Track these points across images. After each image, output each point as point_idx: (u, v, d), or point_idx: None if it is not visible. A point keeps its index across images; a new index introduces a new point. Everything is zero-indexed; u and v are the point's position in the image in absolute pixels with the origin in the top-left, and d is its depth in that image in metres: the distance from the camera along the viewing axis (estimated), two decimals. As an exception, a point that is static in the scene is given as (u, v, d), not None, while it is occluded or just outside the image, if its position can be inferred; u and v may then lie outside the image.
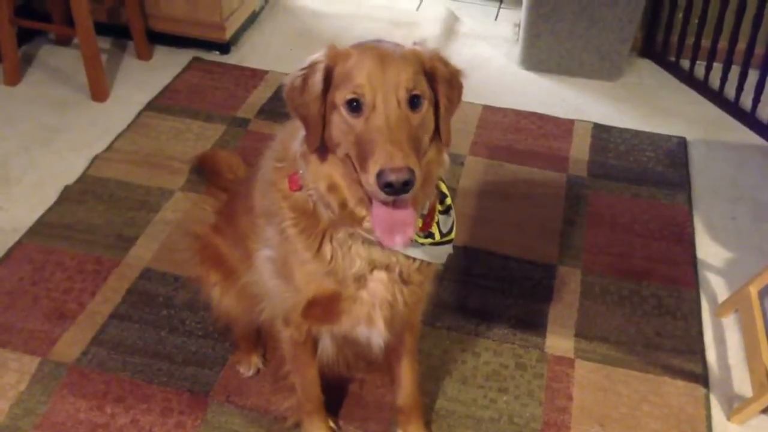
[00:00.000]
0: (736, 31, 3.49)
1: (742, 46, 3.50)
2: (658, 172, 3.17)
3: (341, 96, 1.41)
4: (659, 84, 3.79)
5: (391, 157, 1.32)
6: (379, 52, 1.42)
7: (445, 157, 1.59)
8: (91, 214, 2.81)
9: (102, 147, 3.15)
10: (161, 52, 3.83)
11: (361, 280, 1.63)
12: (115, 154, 3.12)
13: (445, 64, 1.53)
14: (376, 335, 1.74)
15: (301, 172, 1.55)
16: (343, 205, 1.51)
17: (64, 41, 3.85)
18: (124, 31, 3.76)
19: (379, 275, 1.64)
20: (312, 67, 1.47)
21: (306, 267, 1.63)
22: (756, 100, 3.42)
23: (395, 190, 1.32)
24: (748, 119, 3.46)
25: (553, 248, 2.75)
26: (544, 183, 3.08)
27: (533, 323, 2.45)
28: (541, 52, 3.77)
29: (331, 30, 4.14)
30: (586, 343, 2.39)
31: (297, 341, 1.85)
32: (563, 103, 3.61)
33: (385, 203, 1.40)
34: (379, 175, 1.32)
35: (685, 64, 3.80)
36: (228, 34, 3.81)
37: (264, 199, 1.72)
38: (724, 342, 2.43)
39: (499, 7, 4.51)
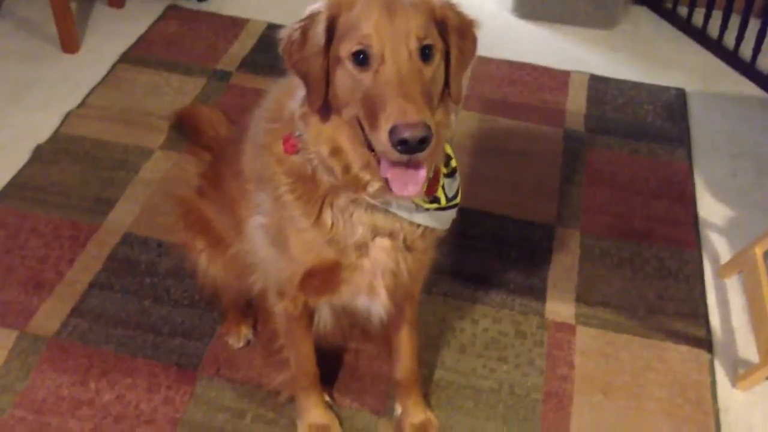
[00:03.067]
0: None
1: (742, -7, 3.36)
2: (656, 126, 3.06)
3: (346, 48, 1.31)
4: (656, 32, 3.66)
5: (404, 111, 1.23)
6: (386, 0, 1.32)
7: (452, 116, 1.49)
8: (66, 176, 2.65)
9: (74, 103, 2.97)
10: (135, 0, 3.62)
11: (362, 248, 1.55)
12: (89, 110, 2.95)
13: (457, 13, 1.43)
14: (378, 305, 1.66)
15: (298, 134, 1.45)
16: (346, 169, 1.42)
17: (30, -12, 3.62)
18: (94, -24, 3.53)
19: (382, 242, 1.55)
20: (312, 18, 1.36)
21: (303, 235, 1.54)
22: (756, 50, 3.30)
23: (410, 147, 1.23)
24: (748, 70, 3.35)
25: (551, 208, 2.65)
26: (540, 138, 2.96)
27: (532, 288, 2.37)
28: (535, 0, 3.61)
29: None
30: (587, 308, 2.31)
31: (292, 314, 1.76)
32: (558, 53, 3.47)
33: (397, 164, 1.31)
34: (392, 131, 1.23)
35: (683, 11, 3.66)
36: (205, -21, 3.59)
37: (255, 163, 1.61)
38: (727, 304, 2.37)
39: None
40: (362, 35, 1.30)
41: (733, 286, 2.43)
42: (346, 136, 1.39)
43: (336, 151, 1.41)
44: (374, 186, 1.41)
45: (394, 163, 1.31)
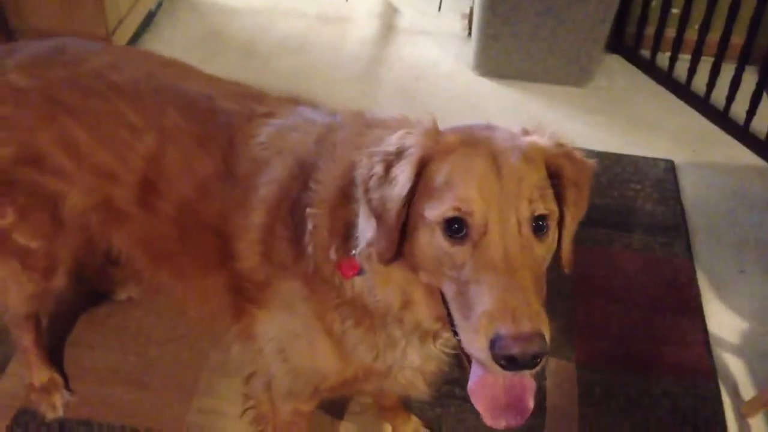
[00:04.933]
0: (730, 23, 2.93)
1: (737, 40, 2.96)
2: (648, 211, 2.67)
3: (438, 211, 1.06)
4: (634, 87, 3.28)
5: (513, 315, 0.97)
6: (493, 148, 1.08)
7: None
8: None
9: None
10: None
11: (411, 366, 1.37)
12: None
13: (573, 159, 1.17)
14: (416, 395, 1.48)
15: (361, 266, 1.21)
16: (417, 324, 1.23)
17: None
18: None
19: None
20: (399, 154, 1.11)
21: (347, 356, 1.35)
22: (751, 111, 2.93)
23: (519, 364, 0.97)
24: (742, 134, 2.98)
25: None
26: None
27: (528, 450, 1.96)
28: (499, 56, 3.19)
29: (246, 31, 3.45)
30: (595, 477, 1.91)
31: (301, 413, 1.58)
32: (526, 117, 3.05)
33: (493, 378, 1.06)
34: (496, 341, 0.97)
35: (663, 61, 3.28)
36: (118, 49, 3.07)
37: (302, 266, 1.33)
38: (757, 456, 2.00)
39: (442, -6, 3.87)
40: (461, 197, 1.04)
41: (759, 427, 2.05)
42: (420, 291, 1.17)
43: (407, 304, 1.20)
44: (444, 337, 1.26)
45: (489, 373, 1.05)
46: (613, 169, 2.83)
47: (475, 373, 1.08)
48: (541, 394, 2.08)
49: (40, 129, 1.46)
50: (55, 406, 1.91)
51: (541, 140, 1.16)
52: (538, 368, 1.00)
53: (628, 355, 2.20)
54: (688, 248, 2.54)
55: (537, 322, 0.98)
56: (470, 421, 2.00)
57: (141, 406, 1.96)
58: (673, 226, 2.61)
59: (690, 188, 2.78)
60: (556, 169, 1.13)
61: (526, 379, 1.08)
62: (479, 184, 1.04)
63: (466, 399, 2.02)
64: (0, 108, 1.46)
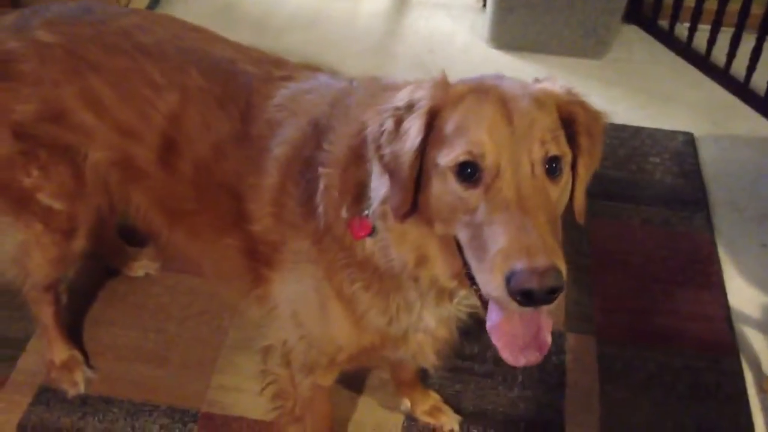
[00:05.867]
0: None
1: (757, 9, 2.89)
2: (667, 184, 2.64)
3: (450, 156, 1.05)
4: (652, 59, 3.22)
5: (528, 250, 0.96)
6: (503, 94, 1.08)
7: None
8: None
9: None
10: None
11: (425, 329, 1.37)
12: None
13: (585, 107, 1.17)
14: (425, 363, 1.48)
15: (374, 224, 1.20)
16: (433, 280, 1.21)
17: None
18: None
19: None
20: (409, 107, 1.11)
21: (363, 321, 1.34)
22: (772, 81, 2.88)
23: (536, 299, 0.96)
24: (763, 106, 2.92)
25: (557, 309, 2.22)
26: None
27: (547, 426, 1.95)
28: (514, 28, 3.14)
29: (258, 5, 3.41)
30: (617, 453, 1.91)
31: (320, 387, 1.57)
32: (543, 90, 3.01)
33: (511, 315, 1.06)
34: (512, 277, 0.96)
35: (682, 32, 3.22)
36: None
37: (311, 224, 1.33)
38: (779, 431, 1.99)
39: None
40: (472, 141, 1.04)
41: (782, 402, 2.04)
42: (436, 245, 1.16)
43: (422, 260, 1.18)
44: (460, 295, 1.24)
45: (506, 312, 1.05)
46: (631, 142, 2.79)
47: (492, 313, 1.08)
48: (560, 369, 2.07)
49: (64, 84, 1.46)
50: (77, 384, 1.91)
51: (552, 86, 1.15)
52: (554, 304, 0.99)
53: (648, 330, 2.18)
54: (709, 222, 2.51)
55: (552, 256, 0.97)
56: (490, 397, 1.99)
57: (161, 383, 1.96)
58: (693, 200, 2.58)
59: (710, 161, 2.74)
60: (568, 115, 1.13)
61: (543, 315, 1.08)
62: (490, 127, 1.04)
63: (485, 375, 2.02)
64: (24, 64, 1.46)
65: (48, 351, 1.94)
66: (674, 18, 3.21)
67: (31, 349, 2.02)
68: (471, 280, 1.10)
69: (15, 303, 1.93)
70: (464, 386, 2.01)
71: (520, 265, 0.96)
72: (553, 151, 1.06)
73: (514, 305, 0.99)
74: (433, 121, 1.10)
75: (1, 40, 1.49)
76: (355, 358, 1.47)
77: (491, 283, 0.99)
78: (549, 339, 1.09)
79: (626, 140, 2.80)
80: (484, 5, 3.35)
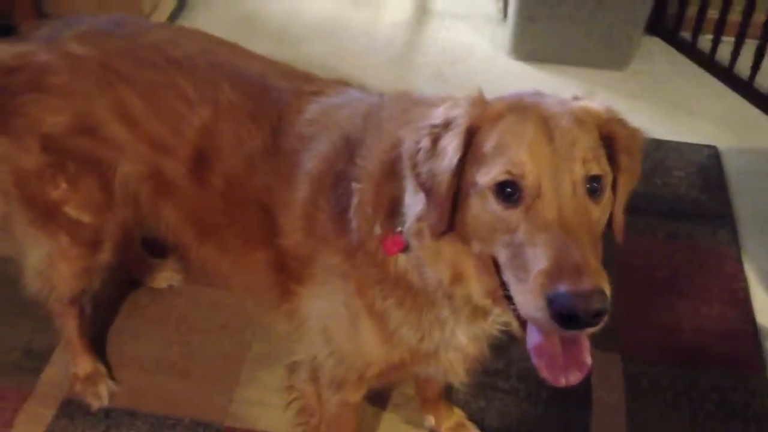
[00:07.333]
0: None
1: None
2: (692, 199, 2.62)
3: (489, 175, 1.04)
4: (674, 71, 3.20)
5: (572, 271, 0.94)
6: (542, 113, 1.06)
7: None
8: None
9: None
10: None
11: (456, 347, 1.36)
12: None
13: (624, 125, 1.17)
14: (454, 380, 1.47)
15: (407, 241, 1.20)
16: (467, 298, 1.20)
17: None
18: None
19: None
20: (447, 125, 1.10)
21: (391, 338, 1.34)
22: (797, 95, 2.86)
23: (580, 322, 0.94)
24: (788, 119, 2.91)
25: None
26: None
27: (574, 444, 1.93)
28: (536, 39, 3.13)
29: (279, 15, 3.42)
30: (644, 471, 1.88)
31: (349, 404, 1.56)
32: (565, 102, 3.00)
33: (550, 336, 1.05)
34: (555, 300, 0.94)
35: (705, 43, 3.20)
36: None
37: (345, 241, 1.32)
38: (809, 452, 1.96)
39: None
40: (512, 160, 1.02)
41: (811, 422, 2.01)
42: (471, 264, 1.14)
43: (458, 278, 1.17)
44: (495, 313, 1.22)
45: (547, 334, 1.04)
46: (655, 155, 2.77)
47: (532, 333, 1.07)
48: (586, 387, 2.05)
49: (96, 97, 1.47)
50: (100, 396, 1.91)
51: (592, 105, 1.14)
52: (599, 327, 0.97)
53: (674, 347, 2.16)
54: (735, 238, 2.48)
55: (597, 278, 0.95)
56: (514, 414, 1.97)
57: (184, 396, 1.95)
58: (718, 215, 2.56)
59: (735, 175, 2.72)
60: (608, 133, 1.12)
61: (582, 337, 1.06)
62: (530, 146, 1.03)
63: (509, 392, 2.00)
64: (55, 77, 1.47)
65: (72, 364, 1.93)
66: (697, 30, 3.19)
67: (55, 361, 2.02)
68: (509, 299, 1.08)
69: (39, 315, 1.92)
70: (488, 403, 2.00)
71: (563, 287, 0.94)
72: (595, 170, 1.05)
73: (554, 328, 0.97)
74: (471, 140, 1.09)
75: (33, 52, 1.49)
76: (384, 374, 1.46)
77: (532, 304, 0.98)
78: (589, 360, 1.07)
79: (650, 154, 2.77)
80: (505, 16, 3.34)
